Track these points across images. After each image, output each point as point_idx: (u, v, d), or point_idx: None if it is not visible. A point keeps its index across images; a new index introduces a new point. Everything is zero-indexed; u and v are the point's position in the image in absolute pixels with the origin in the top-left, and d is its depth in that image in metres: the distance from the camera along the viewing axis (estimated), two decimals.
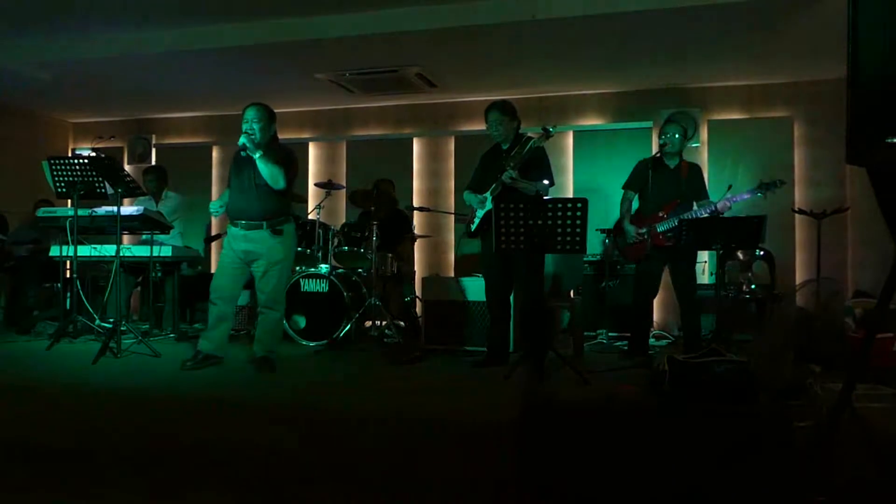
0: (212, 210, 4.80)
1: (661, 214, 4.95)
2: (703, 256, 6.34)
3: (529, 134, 4.75)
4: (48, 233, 6.43)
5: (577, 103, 7.50)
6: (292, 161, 4.67)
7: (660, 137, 5.11)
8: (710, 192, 5.13)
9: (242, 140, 4.42)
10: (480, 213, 4.79)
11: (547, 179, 4.71)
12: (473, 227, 4.88)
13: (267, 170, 4.44)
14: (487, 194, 4.73)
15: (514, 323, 5.06)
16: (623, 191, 5.22)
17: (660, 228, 4.93)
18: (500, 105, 4.80)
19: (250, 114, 4.54)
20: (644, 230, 4.97)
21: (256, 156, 4.44)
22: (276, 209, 4.56)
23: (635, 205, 5.19)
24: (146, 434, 3.03)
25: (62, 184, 5.30)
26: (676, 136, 5.00)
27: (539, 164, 4.69)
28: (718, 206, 4.83)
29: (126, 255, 5.70)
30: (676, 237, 4.79)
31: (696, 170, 5.16)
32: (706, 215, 4.82)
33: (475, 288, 5.32)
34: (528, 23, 5.37)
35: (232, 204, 4.68)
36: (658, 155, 5.06)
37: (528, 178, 4.63)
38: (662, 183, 4.98)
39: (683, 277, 5.00)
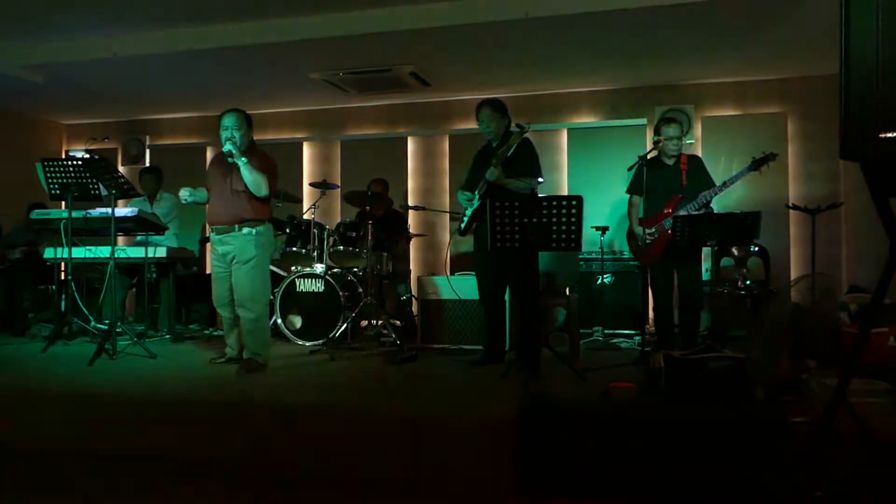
0: (182, 195, 4.75)
1: (665, 212, 4.95)
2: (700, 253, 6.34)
3: (512, 129, 4.77)
4: (42, 235, 6.42)
5: (571, 101, 7.50)
6: (273, 167, 4.70)
7: (658, 134, 5.08)
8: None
9: (228, 147, 4.45)
10: (469, 212, 4.81)
11: (534, 176, 4.71)
12: (463, 225, 4.90)
13: (251, 177, 4.47)
14: (476, 193, 4.74)
15: (510, 321, 5.06)
16: (628, 196, 5.22)
17: (667, 225, 4.92)
18: (491, 102, 4.84)
19: (229, 121, 4.56)
20: (653, 230, 4.96)
21: (242, 162, 4.45)
22: (251, 213, 4.58)
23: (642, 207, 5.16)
24: (144, 435, 3.03)
25: (56, 185, 5.28)
26: (676, 137, 4.98)
27: (523, 160, 4.69)
28: (718, 189, 4.83)
29: (121, 256, 5.69)
30: (673, 233, 4.79)
31: (696, 161, 5.14)
32: (699, 208, 4.83)
33: (470, 286, 5.31)
34: (521, 21, 5.37)
35: (210, 209, 4.72)
36: (655, 154, 5.04)
37: (515, 174, 4.64)
38: (663, 181, 4.97)
39: (689, 276, 4.99)
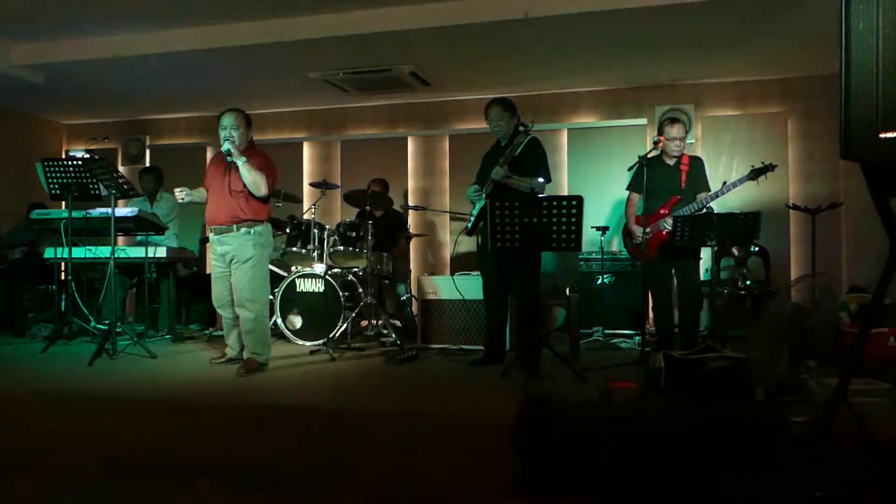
0: (179, 195, 4.76)
1: (662, 212, 4.96)
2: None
3: (519, 128, 4.79)
4: (42, 235, 6.43)
5: (571, 101, 7.50)
6: (272, 167, 4.69)
7: (660, 134, 5.08)
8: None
9: (227, 147, 4.44)
10: (475, 211, 4.82)
11: (541, 176, 4.71)
12: (469, 225, 4.91)
13: (250, 177, 4.47)
14: (483, 191, 4.75)
15: (511, 321, 5.06)
16: (628, 193, 5.23)
17: (662, 226, 4.93)
18: (500, 101, 4.84)
19: (228, 120, 4.56)
20: (649, 230, 4.97)
21: (241, 162, 4.45)
22: (250, 214, 4.58)
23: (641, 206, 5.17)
24: (144, 435, 3.03)
25: (56, 185, 5.28)
26: (679, 138, 4.98)
27: (529, 160, 4.70)
28: (716, 194, 4.84)
29: (121, 256, 5.69)
30: (672, 234, 4.79)
31: (696, 162, 5.14)
32: (696, 209, 4.84)
33: (471, 286, 5.32)
34: (522, 20, 5.37)
35: (208, 209, 4.71)
36: (656, 153, 5.04)
37: (521, 174, 4.64)
38: (663, 181, 4.98)
39: (687, 275, 5.00)
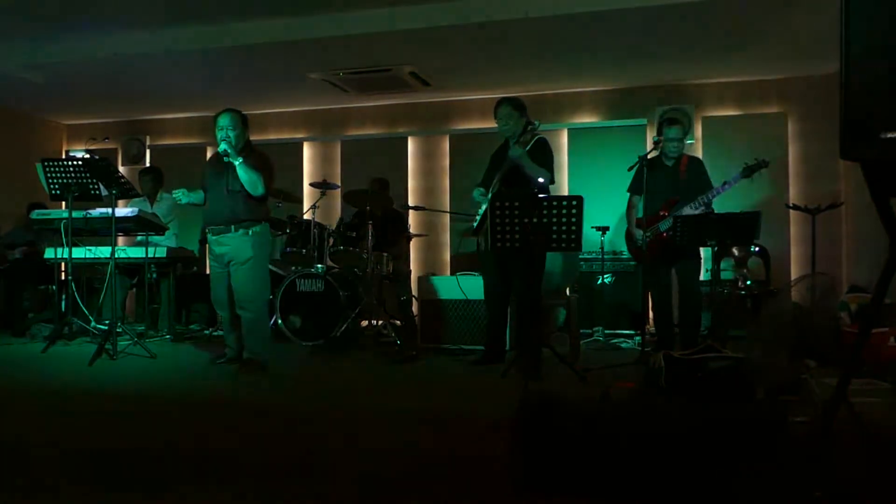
0: (176, 196, 4.76)
1: (661, 214, 4.96)
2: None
3: (530, 126, 4.79)
4: (42, 235, 6.43)
5: (572, 101, 7.50)
6: (270, 166, 4.69)
7: (660, 135, 5.09)
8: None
9: (223, 147, 4.43)
10: (480, 210, 4.82)
11: (547, 174, 4.71)
12: (475, 224, 4.91)
13: (247, 176, 4.46)
14: (489, 192, 4.74)
15: (511, 321, 5.06)
16: (629, 195, 5.24)
17: (662, 227, 4.93)
18: (510, 100, 4.83)
19: (224, 121, 4.54)
20: (648, 232, 4.97)
21: (237, 162, 4.44)
22: (247, 214, 4.57)
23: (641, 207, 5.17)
24: (144, 435, 3.03)
25: (56, 186, 5.28)
26: (677, 139, 4.99)
27: (537, 158, 4.70)
28: (712, 195, 4.86)
29: (121, 256, 5.69)
30: (672, 235, 4.80)
31: (696, 163, 5.15)
32: (698, 210, 4.84)
33: (471, 286, 5.32)
34: (521, 20, 5.37)
35: (207, 210, 4.70)
36: (656, 154, 5.04)
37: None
38: (661, 182, 4.98)
39: (687, 276, 5.00)
